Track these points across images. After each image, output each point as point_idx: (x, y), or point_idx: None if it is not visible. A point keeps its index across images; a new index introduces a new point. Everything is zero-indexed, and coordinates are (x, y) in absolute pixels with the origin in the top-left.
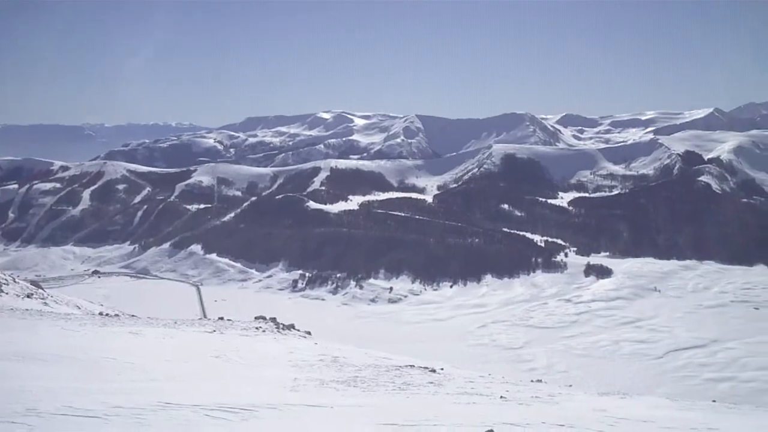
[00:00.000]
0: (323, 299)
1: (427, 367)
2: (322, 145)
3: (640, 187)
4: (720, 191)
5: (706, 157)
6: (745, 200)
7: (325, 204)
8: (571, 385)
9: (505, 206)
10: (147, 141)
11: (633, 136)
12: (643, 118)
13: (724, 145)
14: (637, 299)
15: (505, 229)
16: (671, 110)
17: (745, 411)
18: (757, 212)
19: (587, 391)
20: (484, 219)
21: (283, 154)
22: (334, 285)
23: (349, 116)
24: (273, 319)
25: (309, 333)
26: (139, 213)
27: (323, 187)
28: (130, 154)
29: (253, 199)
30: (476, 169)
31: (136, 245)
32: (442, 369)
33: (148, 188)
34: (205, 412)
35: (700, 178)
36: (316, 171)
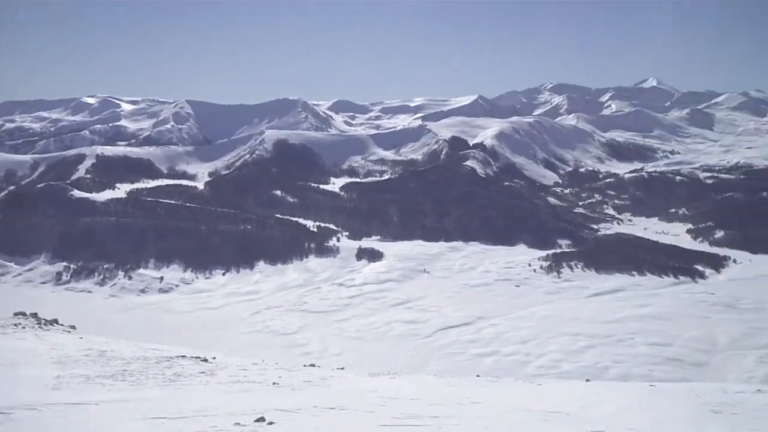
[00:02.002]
0: (90, 291)
1: (199, 357)
2: (87, 131)
3: (409, 171)
4: (484, 175)
5: (471, 143)
6: (507, 183)
7: (91, 192)
8: (343, 368)
9: (278, 192)
10: None
11: (402, 122)
12: (412, 104)
13: (488, 131)
14: (408, 281)
15: (278, 215)
16: (438, 97)
17: (506, 383)
18: (518, 195)
19: (359, 372)
20: (256, 205)
21: (45, 141)
22: (102, 276)
23: (115, 101)
24: (34, 315)
25: (74, 327)
26: None
27: (89, 175)
28: None
29: (11, 188)
30: (248, 155)
31: None
32: (214, 358)
33: None
34: None
35: (465, 163)
36: (81, 158)
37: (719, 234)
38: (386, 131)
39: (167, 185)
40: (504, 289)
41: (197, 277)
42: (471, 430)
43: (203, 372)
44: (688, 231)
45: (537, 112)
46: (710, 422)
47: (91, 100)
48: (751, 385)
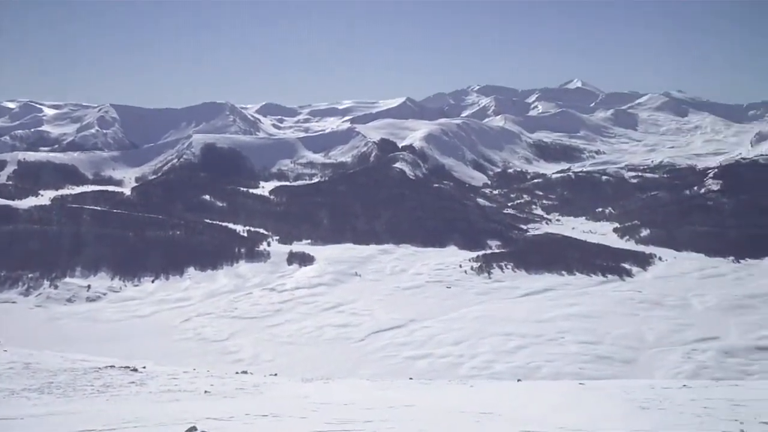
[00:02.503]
0: (14, 302)
1: (128, 367)
2: (7, 137)
3: (339, 174)
4: (414, 177)
5: (400, 145)
6: (436, 185)
7: (13, 200)
8: (276, 374)
9: (207, 197)
10: None
11: (331, 125)
12: (341, 107)
13: (417, 133)
14: (339, 284)
15: (208, 221)
16: (367, 100)
17: (439, 385)
18: (447, 196)
19: (292, 378)
20: (185, 211)
21: None
22: (26, 286)
23: (37, 105)
24: None
25: None
26: None
27: (10, 182)
28: None
29: None
30: (176, 159)
31: None
32: (144, 367)
33: None
34: None
35: (395, 165)
36: (2, 164)
37: (645, 232)
38: (315, 134)
39: (93, 191)
40: (435, 291)
41: (126, 285)
42: None
43: (133, 382)
44: (615, 230)
45: (465, 113)
46: (638, 418)
47: (11, 105)
48: (678, 381)
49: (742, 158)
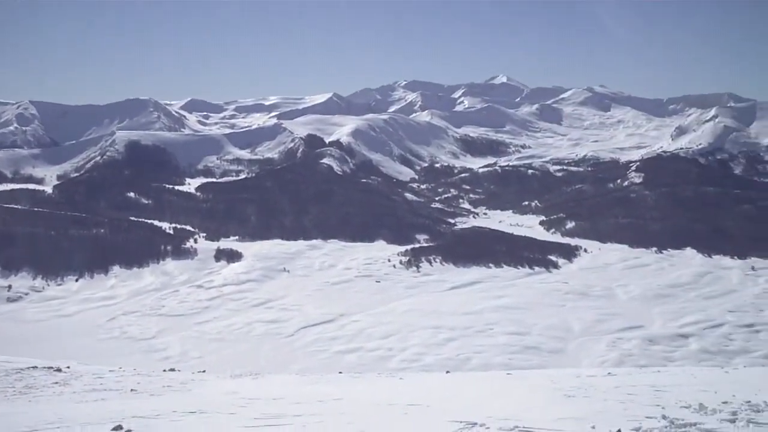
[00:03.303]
0: None
1: (51, 367)
2: None
3: (266, 170)
4: (341, 173)
5: (327, 141)
6: (364, 180)
7: None
8: (204, 371)
9: (132, 194)
10: None
11: (257, 121)
12: (267, 103)
13: (344, 129)
14: (268, 281)
15: (133, 218)
16: (293, 95)
17: (369, 378)
18: (375, 191)
19: (221, 375)
20: (109, 208)
21: None
22: None
23: None
24: None
25: None
26: None
27: None
28: None
29: None
30: (99, 157)
31: None
32: (68, 367)
33: None
34: None
35: (322, 161)
36: None
37: (570, 225)
38: (241, 130)
39: (12, 190)
40: (365, 285)
41: (48, 284)
42: (334, 426)
43: (56, 382)
44: (541, 223)
45: (392, 109)
46: (563, 406)
47: None
48: (603, 369)
49: (663, 151)
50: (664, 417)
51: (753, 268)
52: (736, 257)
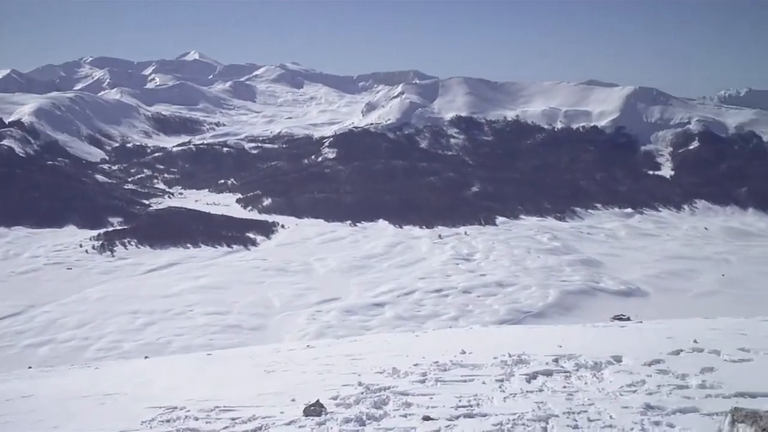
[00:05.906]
0: None
1: None
2: None
3: None
4: (24, 155)
5: (6, 121)
6: (50, 162)
7: None
8: None
9: None
10: None
11: None
12: None
13: (25, 108)
14: None
15: None
16: None
17: (61, 371)
18: (63, 174)
19: None
20: None
21: None
22: None
23: None
24: None
25: None
26: None
27: None
28: None
29: None
30: None
31: None
32: None
33: None
34: None
35: (2, 143)
36: None
37: (267, 201)
38: None
39: None
40: (55, 273)
41: None
42: (24, 425)
43: None
44: (238, 200)
45: (78, 86)
46: (263, 381)
47: None
48: (303, 342)
49: (354, 127)
50: (360, 384)
51: (440, 236)
52: (424, 227)
